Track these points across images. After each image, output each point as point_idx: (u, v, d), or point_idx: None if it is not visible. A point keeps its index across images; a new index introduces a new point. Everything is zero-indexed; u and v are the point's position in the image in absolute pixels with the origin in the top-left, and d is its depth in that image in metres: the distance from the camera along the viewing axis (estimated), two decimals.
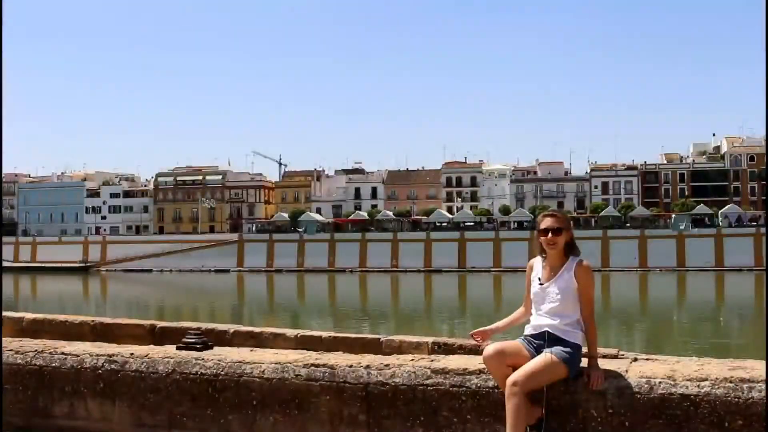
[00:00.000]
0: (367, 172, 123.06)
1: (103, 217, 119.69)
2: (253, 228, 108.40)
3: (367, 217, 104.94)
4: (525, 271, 4.44)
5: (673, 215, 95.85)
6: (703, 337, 32.93)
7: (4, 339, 5.31)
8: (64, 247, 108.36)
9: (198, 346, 4.90)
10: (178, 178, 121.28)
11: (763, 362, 3.90)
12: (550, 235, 4.21)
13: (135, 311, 46.79)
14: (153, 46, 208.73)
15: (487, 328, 4.48)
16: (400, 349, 5.57)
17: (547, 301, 4.19)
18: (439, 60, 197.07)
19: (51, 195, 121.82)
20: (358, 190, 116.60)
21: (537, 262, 4.34)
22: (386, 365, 4.32)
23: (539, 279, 4.26)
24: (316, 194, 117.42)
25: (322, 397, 4.33)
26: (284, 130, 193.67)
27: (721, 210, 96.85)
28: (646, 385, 3.86)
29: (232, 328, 6.33)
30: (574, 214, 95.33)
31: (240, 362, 4.58)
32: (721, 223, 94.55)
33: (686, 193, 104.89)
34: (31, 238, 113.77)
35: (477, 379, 4.11)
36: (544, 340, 4.11)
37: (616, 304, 48.49)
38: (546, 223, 4.25)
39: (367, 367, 4.33)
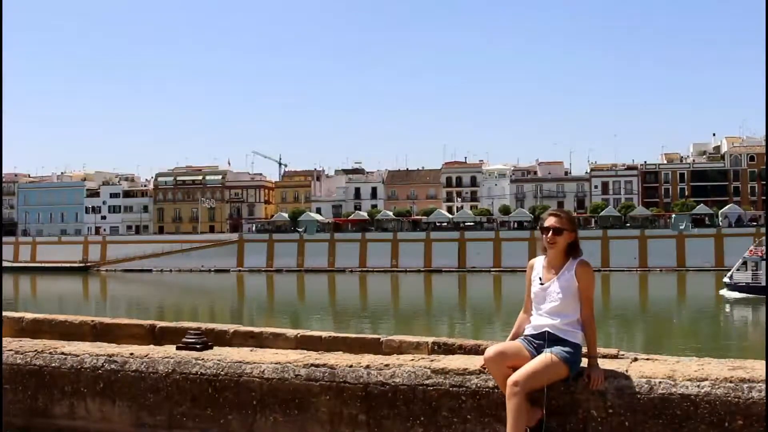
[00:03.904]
0: (367, 172, 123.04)
1: (103, 217, 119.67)
2: (253, 228, 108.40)
3: (367, 217, 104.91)
4: (525, 271, 4.41)
5: (673, 215, 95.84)
6: (703, 337, 32.96)
7: (4, 339, 5.30)
8: (63, 247, 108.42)
9: (198, 346, 4.89)
10: (178, 178, 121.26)
11: (763, 362, 3.89)
12: (550, 234, 4.20)
13: (135, 311, 46.79)
14: (153, 45, 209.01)
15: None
16: (400, 349, 5.56)
17: (547, 300, 4.17)
18: (439, 60, 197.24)
19: (51, 195, 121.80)
20: (358, 190, 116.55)
21: (538, 262, 4.32)
22: (386, 365, 4.31)
23: (540, 278, 4.24)
24: (316, 194, 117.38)
25: (322, 397, 4.32)
26: (284, 130, 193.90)
27: (721, 210, 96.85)
28: (646, 385, 3.85)
29: (232, 328, 6.32)
30: (574, 214, 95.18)
31: (240, 362, 4.57)
32: (721, 223, 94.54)
33: (686, 193, 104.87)
34: (31, 238, 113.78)
35: (477, 379, 4.11)
36: (544, 340, 4.09)
37: (616, 304, 48.49)
38: (549, 221, 4.22)
39: (367, 367, 4.32)
